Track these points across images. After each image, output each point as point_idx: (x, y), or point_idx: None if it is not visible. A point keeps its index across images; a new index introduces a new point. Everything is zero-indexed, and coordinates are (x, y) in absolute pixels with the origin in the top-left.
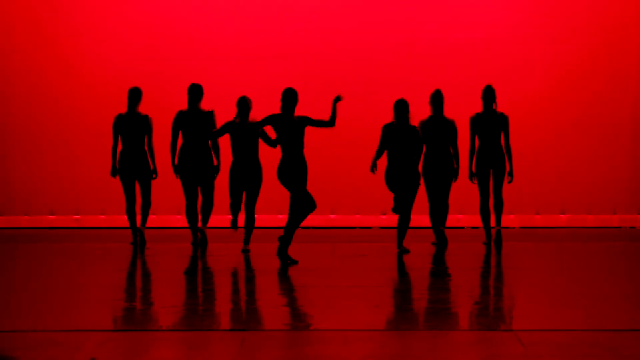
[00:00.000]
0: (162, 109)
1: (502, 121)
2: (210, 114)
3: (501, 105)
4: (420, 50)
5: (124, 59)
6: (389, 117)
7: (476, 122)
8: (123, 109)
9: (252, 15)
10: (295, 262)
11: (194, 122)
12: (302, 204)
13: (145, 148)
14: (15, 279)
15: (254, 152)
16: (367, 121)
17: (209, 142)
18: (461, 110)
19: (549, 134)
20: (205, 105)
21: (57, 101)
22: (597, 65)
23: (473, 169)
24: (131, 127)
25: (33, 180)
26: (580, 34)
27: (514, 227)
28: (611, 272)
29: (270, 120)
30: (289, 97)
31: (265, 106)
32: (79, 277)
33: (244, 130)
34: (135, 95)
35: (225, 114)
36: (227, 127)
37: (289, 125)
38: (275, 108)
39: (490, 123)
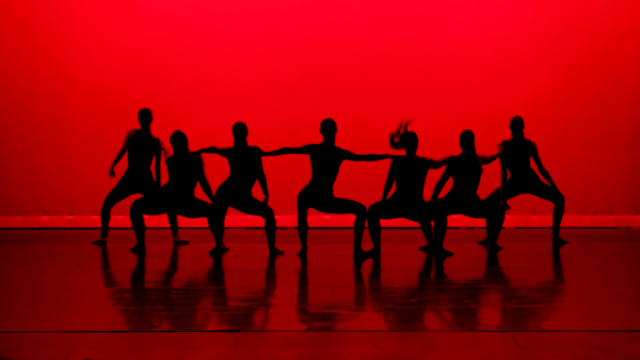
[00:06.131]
0: (157, 108)
1: (530, 148)
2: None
3: (501, 105)
4: (418, 48)
5: (118, 60)
6: (385, 114)
7: (506, 151)
8: (117, 109)
9: (248, 11)
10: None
11: (142, 144)
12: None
13: (152, 168)
14: (8, 279)
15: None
16: (364, 119)
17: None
18: (458, 108)
19: (546, 134)
20: (199, 104)
21: (51, 102)
22: (595, 65)
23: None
24: (141, 146)
25: (27, 180)
26: (578, 34)
27: (509, 228)
28: (608, 273)
29: (309, 149)
30: (330, 127)
31: (261, 103)
32: (73, 278)
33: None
34: (145, 116)
35: (220, 113)
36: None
37: (330, 156)
38: (270, 104)
39: (520, 150)
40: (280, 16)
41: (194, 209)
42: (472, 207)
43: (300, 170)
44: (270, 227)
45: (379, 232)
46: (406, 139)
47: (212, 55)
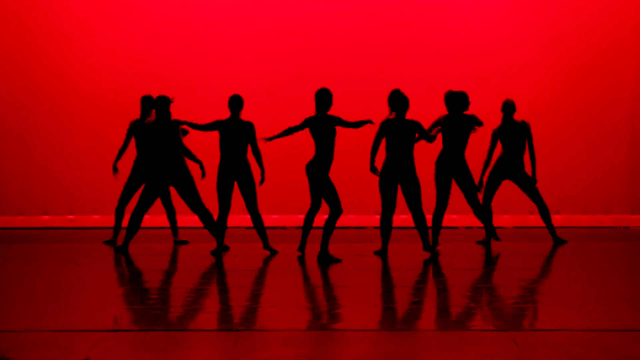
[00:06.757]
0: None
1: (524, 130)
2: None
3: (500, 105)
4: (418, 49)
5: (118, 60)
6: (382, 114)
7: (497, 134)
8: (117, 108)
9: (248, 11)
10: (338, 261)
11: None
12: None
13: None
14: (8, 279)
15: (243, 151)
16: (361, 119)
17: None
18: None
19: (545, 134)
20: (197, 104)
21: (51, 101)
22: (594, 65)
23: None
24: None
25: (27, 180)
26: (578, 34)
27: (507, 227)
28: (606, 272)
29: (306, 123)
30: (322, 96)
31: (259, 103)
32: (73, 278)
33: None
34: (147, 103)
35: (220, 113)
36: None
37: (324, 125)
38: (269, 104)
39: (513, 133)
40: (280, 17)
41: (189, 186)
42: (459, 171)
43: (300, 171)
44: (259, 225)
45: (389, 232)
46: (395, 100)
47: (212, 55)
